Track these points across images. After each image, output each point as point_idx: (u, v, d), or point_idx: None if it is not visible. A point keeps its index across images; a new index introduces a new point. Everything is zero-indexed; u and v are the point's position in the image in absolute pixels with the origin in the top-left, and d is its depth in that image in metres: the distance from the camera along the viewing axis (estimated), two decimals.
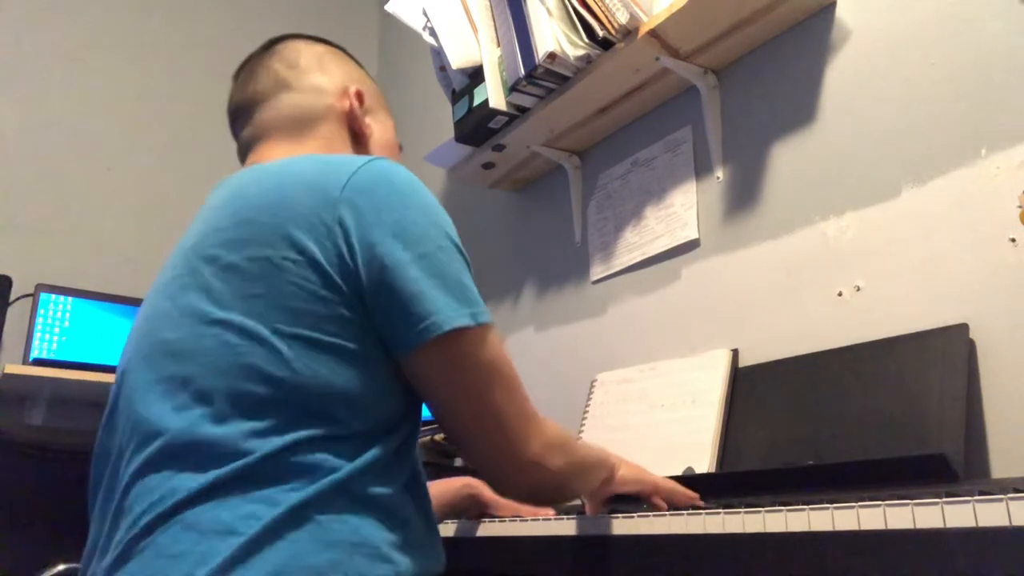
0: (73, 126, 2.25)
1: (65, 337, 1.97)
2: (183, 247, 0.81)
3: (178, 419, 0.70)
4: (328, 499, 0.67)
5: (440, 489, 1.19)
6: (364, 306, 0.73)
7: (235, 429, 0.68)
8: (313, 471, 0.68)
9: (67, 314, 1.99)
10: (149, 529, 0.66)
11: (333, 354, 0.71)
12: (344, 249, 0.72)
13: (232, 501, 0.65)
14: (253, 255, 0.73)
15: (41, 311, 1.96)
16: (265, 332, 0.71)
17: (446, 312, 0.73)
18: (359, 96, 0.96)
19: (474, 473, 1.37)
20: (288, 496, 0.66)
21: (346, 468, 0.69)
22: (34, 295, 1.97)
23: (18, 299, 1.99)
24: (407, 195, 0.77)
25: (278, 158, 0.86)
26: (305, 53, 0.97)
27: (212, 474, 0.66)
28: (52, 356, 1.93)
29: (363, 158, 0.79)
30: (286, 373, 0.70)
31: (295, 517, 0.65)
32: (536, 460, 0.77)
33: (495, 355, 0.76)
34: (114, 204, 2.26)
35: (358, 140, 0.95)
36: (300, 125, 0.92)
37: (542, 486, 0.81)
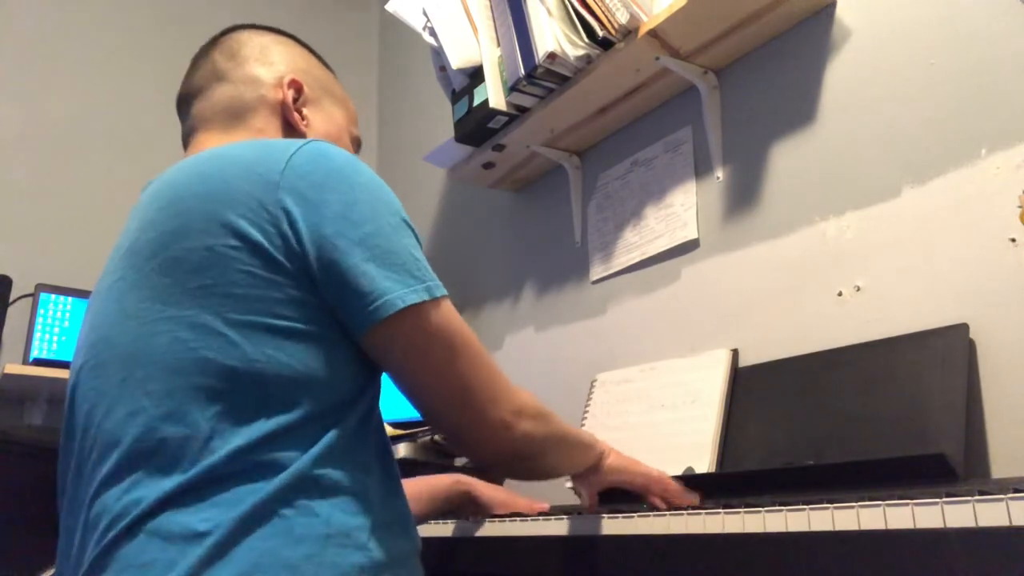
0: (73, 126, 2.25)
1: (65, 337, 1.97)
2: (119, 249, 0.79)
3: (134, 425, 0.69)
4: (293, 492, 0.66)
5: (430, 485, 1.17)
6: (314, 286, 0.72)
7: (193, 429, 0.67)
8: (275, 465, 0.67)
9: (67, 314, 1.99)
10: (116, 542, 0.65)
11: (288, 337, 0.70)
12: (289, 233, 0.71)
13: (196, 505, 0.65)
14: (193, 246, 0.71)
15: (41, 311, 1.96)
16: (216, 323, 0.69)
17: (400, 289, 0.72)
18: (294, 86, 0.93)
19: (469, 471, 1.36)
20: (252, 494, 0.65)
21: (306, 456, 0.68)
22: (34, 295, 1.97)
23: (18, 299, 1.99)
24: (349, 175, 0.75)
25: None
26: (248, 43, 0.95)
27: (174, 480, 0.65)
28: (52, 356, 1.93)
29: (300, 140, 0.77)
30: (240, 362, 0.69)
31: (262, 514, 0.65)
32: (504, 423, 0.76)
33: (453, 326, 0.75)
34: (114, 204, 2.26)
35: (292, 131, 0.92)
36: (232, 116, 0.91)
37: (514, 451, 0.79)
